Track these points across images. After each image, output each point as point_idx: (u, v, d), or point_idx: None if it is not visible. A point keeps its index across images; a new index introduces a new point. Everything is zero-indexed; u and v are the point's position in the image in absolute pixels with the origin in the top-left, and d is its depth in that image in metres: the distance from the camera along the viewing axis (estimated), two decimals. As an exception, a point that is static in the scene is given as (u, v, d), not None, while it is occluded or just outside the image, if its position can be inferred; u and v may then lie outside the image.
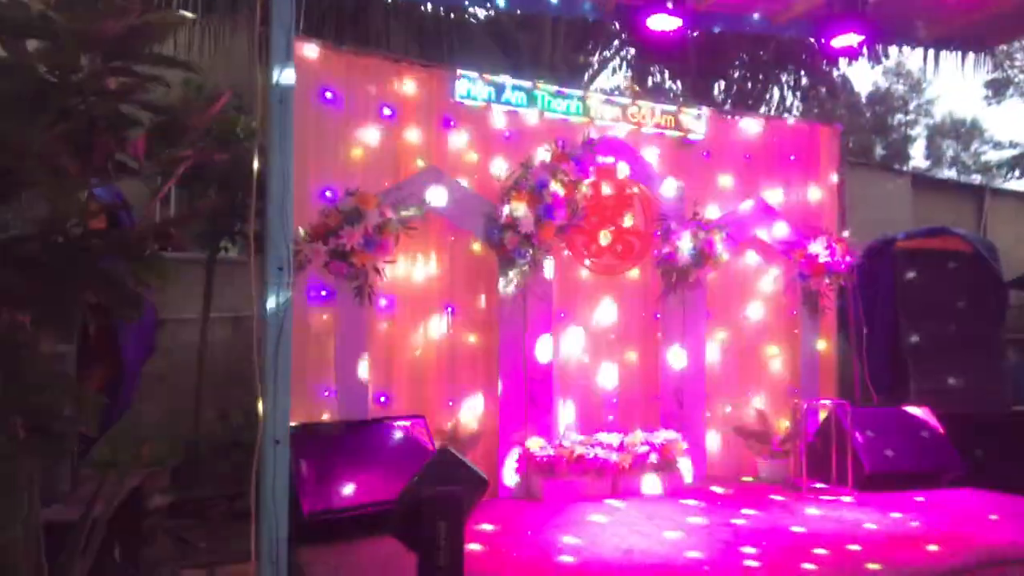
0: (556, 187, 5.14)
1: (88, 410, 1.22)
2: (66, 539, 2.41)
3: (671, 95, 8.12)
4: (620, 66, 8.04)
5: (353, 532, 3.96)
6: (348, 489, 4.18)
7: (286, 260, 3.25)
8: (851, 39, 5.45)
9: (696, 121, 5.89)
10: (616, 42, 7.42)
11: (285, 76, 3.34)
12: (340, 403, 4.69)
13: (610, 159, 5.53)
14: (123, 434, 4.92)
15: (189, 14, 1.73)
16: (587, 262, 5.58)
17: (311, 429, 4.39)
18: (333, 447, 4.37)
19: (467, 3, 5.33)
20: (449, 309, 5.15)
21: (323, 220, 4.60)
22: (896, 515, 4.59)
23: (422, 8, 5.73)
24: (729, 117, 6.22)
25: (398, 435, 4.60)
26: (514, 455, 5.09)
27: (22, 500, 1.27)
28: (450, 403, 5.11)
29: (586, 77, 7.64)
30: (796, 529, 4.29)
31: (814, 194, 6.32)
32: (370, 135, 4.90)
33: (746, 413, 5.87)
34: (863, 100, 14.61)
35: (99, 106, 1.07)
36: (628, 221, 5.68)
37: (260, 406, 3.34)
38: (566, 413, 5.45)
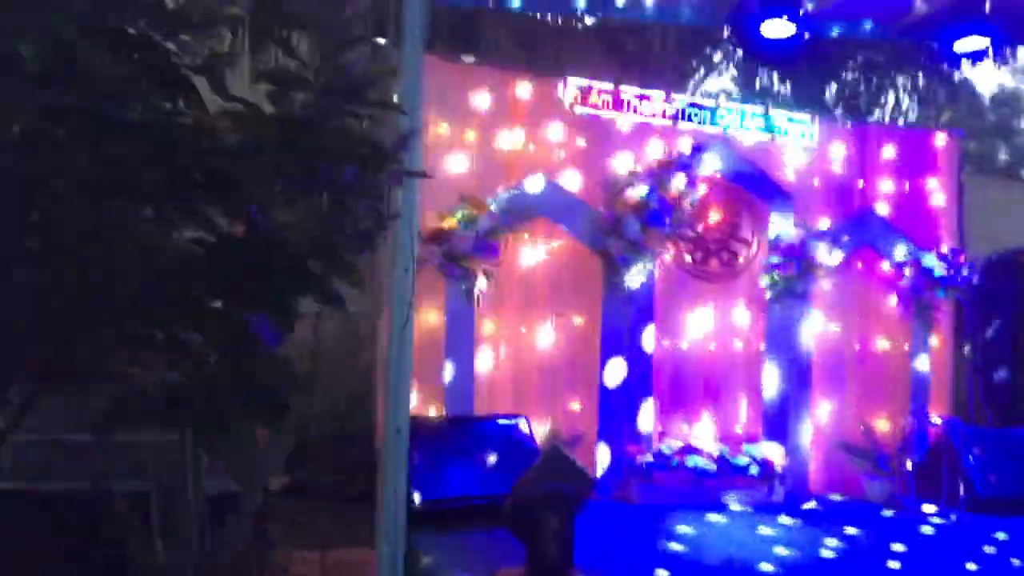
0: (663, 194, 5.27)
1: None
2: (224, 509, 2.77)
3: (779, 98, 8.05)
4: (727, 68, 8.04)
5: (460, 522, 4.24)
6: (455, 481, 4.47)
7: (411, 262, 3.53)
8: (976, 42, 5.31)
9: (807, 127, 5.87)
10: (724, 45, 7.43)
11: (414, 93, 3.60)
12: (448, 399, 4.99)
13: (718, 166, 5.60)
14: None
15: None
16: (693, 269, 5.66)
17: (421, 423, 4.70)
18: (442, 441, 4.67)
19: (579, 11, 5.52)
20: (553, 312, 5.36)
21: (437, 224, 4.89)
22: (1003, 537, 4.48)
23: (531, 16, 5.96)
24: (841, 123, 6.16)
25: (502, 432, 4.85)
26: (611, 458, 5.26)
27: (260, 468, 1.52)
28: (552, 402, 5.32)
29: (694, 80, 7.69)
30: (900, 549, 4.27)
31: (931, 203, 6.17)
32: (483, 142, 5.16)
33: (852, 429, 5.81)
34: (986, 102, 13.85)
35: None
36: (735, 229, 5.73)
37: (381, 398, 3.65)
38: (666, 418, 5.56)
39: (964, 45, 5.35)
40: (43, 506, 2.84)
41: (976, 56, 5.69)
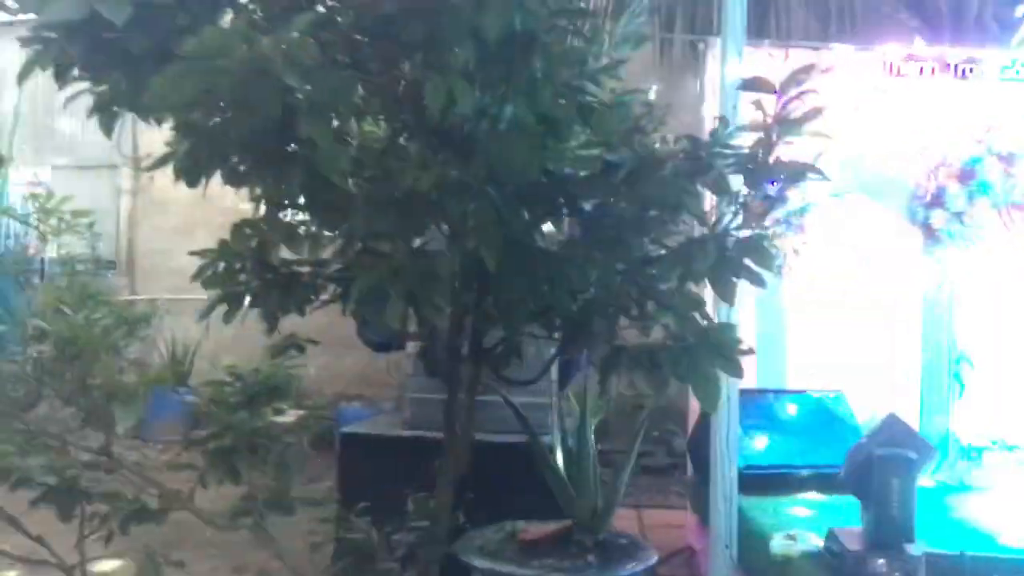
0: (992, 161, 5.21)
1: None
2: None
3: None
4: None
5: (779, 488, 4.73)
6: (776, 450, 4.96)
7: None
8: None
9: None
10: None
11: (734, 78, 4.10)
12: (759, 374, 5.46)
13: (1059, 126, 5.37)
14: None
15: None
16: (1027, 241, 5.51)
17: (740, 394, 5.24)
18: (755, 410, 5.17)
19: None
20: (867, 286, 5.57)
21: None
22: None
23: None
24: None
25: (818, 406, 5.23)
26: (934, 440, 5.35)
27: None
28: (864, 386, 5.55)
29: (1021, 33, 7.22)
30: None
31: None
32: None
33: None
34: None
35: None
36: (1081, 194, 5.45)
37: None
38: (982, 403, 5.49)
39: None
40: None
41: None
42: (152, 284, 9.23)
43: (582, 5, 2.29)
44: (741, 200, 2.13)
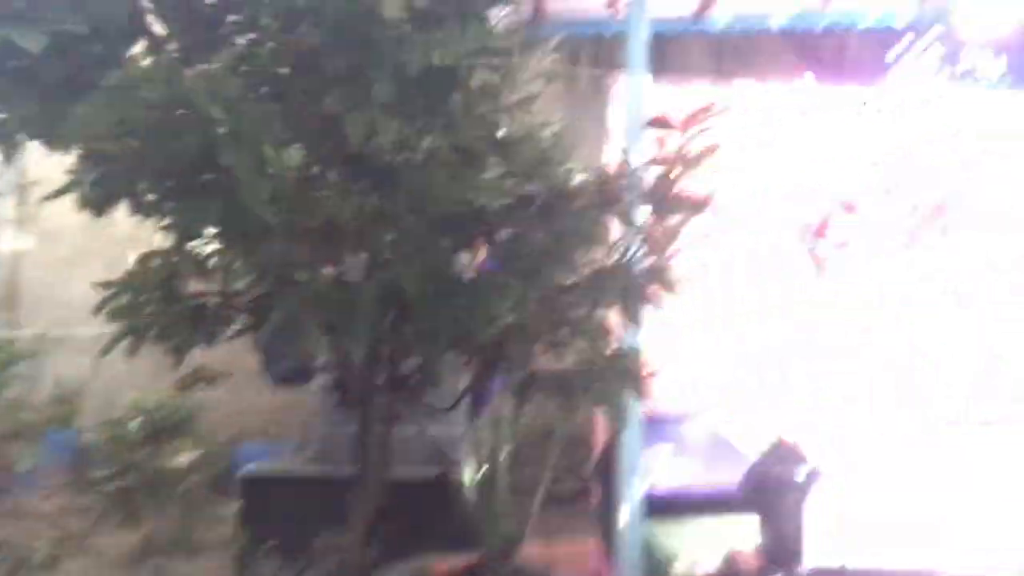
0: (872, 194, 5.67)
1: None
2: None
3: (989, 81, 8.01)
4: (929, 51, 8.14)
5: (681, 511, 4.92)
6: (676, 473, 5.16)
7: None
8: None
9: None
10: (927, 32, 7.58)
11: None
12: (657, 399, 5.69)
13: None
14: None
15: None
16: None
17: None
18: (654, 435, 5.36)
19: (783, 29, 6.09)
20: (759, 317, 5.92)
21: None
22: None
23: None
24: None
25: (711, 431, 5.48)
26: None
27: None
28: (756, 406, 5.87)
29: (894, 70, 7.91)
30: None
31: None
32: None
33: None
34: None
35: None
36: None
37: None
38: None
39: None
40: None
41: None
42: (38, 318, 8.73)
43: (499, 44, 2.41)
44: (647, 230, 2.29)
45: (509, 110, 2.48)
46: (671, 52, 7.34)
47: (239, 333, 2.55)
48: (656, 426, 5.56)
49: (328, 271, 2.29)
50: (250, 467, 4.90)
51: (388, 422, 2.55)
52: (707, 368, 5.95)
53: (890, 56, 8.07)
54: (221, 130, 1.79)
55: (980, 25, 5.41)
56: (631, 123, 3.97)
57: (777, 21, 5.97)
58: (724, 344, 5.92)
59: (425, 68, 2.06)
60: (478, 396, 4.85)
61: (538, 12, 5.90)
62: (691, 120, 2.20)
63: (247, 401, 7.86)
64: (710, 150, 2.24)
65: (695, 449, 5.41)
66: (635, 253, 2.32)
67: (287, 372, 4.33)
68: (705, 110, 2.23)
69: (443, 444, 3.94)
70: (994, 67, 8.49)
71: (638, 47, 4.68)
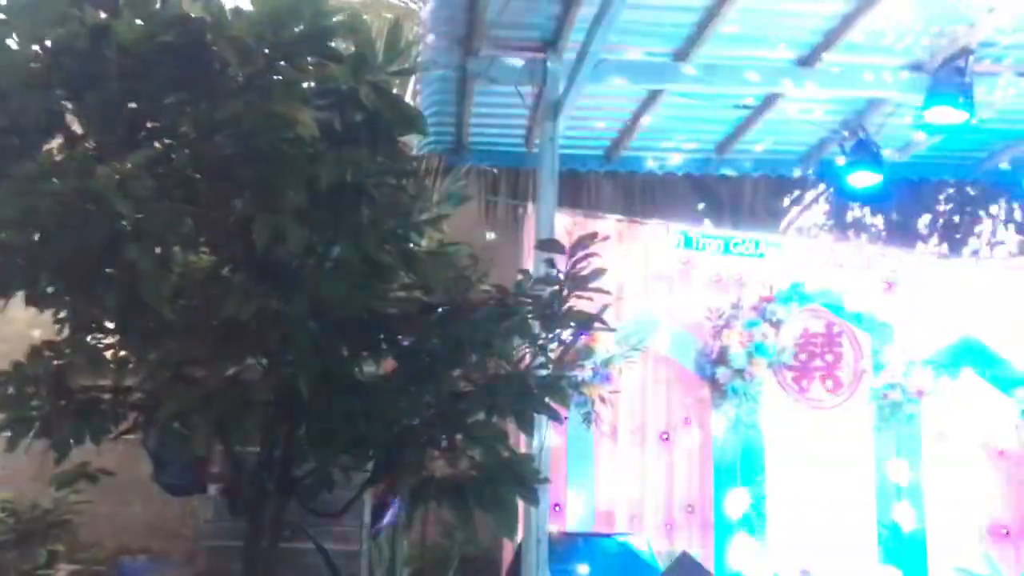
0: (765, 326, 6.05)
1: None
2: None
3: (872, 230, 8.82)
4: (819, 204, 8.93)
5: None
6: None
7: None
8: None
9: (899, 261, 6.62)
10: (815, 184, 8.35)
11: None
12: (568, 517, 5.71)
13: (816, 299, 6.37)
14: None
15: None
16: (798, 397, 6.32)
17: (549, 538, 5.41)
18: (565, 556, 5.33)
19: (685, 172, 6.63)
20: (665, 436, 6.09)
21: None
22: None
23: (632, 171, 7.10)
24: (935, 256, 6.88)
25: (623, 549, 5.48)
26: (729, 580, 5.77)
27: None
28: (667, 525, 5.94)
29: (786, 220, 8.61)
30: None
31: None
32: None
33: (970, 553, 6.13)
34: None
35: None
36: (838, 358, 6.41)
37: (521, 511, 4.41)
38: (782, 539, 6.05)
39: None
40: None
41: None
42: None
43: (409, 166, 2.58)
44: (540, 343, 2.41)
45: (419, 227, 2.62)
46: (586, 187, 7.85)
47: (129, 431, 2.49)
48: (569, 544, 5.55)
49: (226, 370, 2.30)
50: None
51: (276, 529, 2.48)
52: (621, 486, 6.04)
53: (784, 203, 8.85)
54: (126, 226, 1.84)
55: (862, 180, 6.01)
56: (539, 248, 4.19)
57: (679, 164, 6.53)
58: (637, 462, 6.05)
59: (337, 182, 2.19)
60: (377, 511, 4.75)
61: (458, 142, 6.28)
62: (578, 244, 2.38)
63: (134, 514, 7.39)
64: (598, 272, 2.41)
65: (608, 565, 5.40)
66: (531, 364, 2.42)
67: (179, 480, 4.16)
68: (591, 236, 2.42)
69: (340, 561, 3.79)
70: (876, 220, 9.37)
71: (548, 180, 5.03)
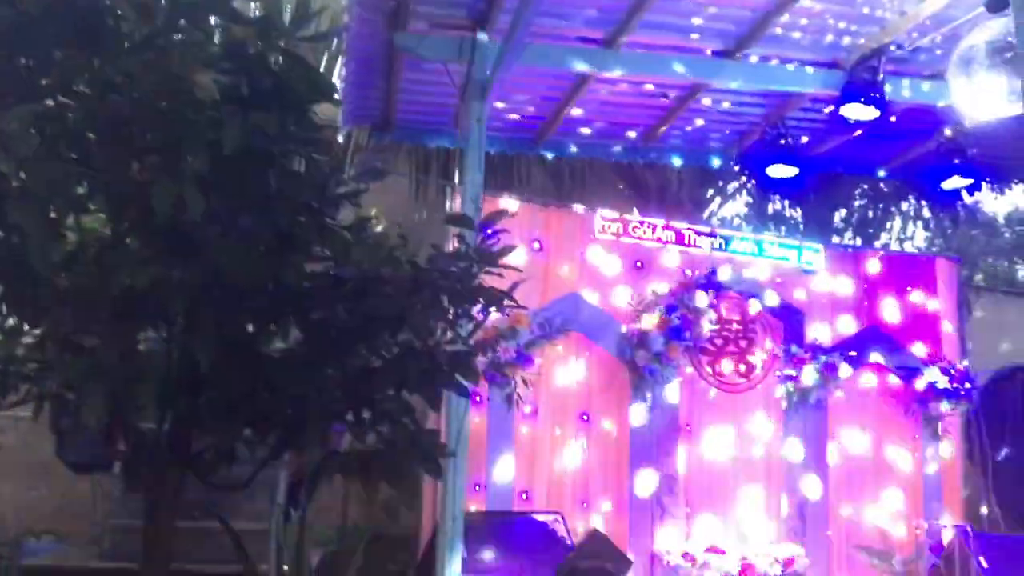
0: (683, 311, 6.18)
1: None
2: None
3: (791, 222, 9.10)
4: (741, 196, 9.15)
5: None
6: (499, 572, 5.15)
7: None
8: (959, 182, 6.35)
9: (814, 254, 6.85)
10: (737, 176, 8.56)
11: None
12: (489, 497, 5.74)
13: (733, 286, 6.53)
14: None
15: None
16: (712, 380, 6.49)
17: (466, 516, 5.43)
18: (483, 535, 5.37)
19: (612, 159, 6.69)
20: (585, 417, 6.17)
21: (482, 336, 5.80)
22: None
23: (562, 157, 7.14)
24: (847, 251, 7.15)
25: (539, 527, 5.56)
26: (641, 559, 5.90)
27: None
28: (583, 504, 6.03)
29: (709, 209, 8.79)
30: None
31: (933, 323, 7.03)
32: (523, 264, 6.15)
33: (869, 532, 6.44)
34: (1001, 220, 14.86)
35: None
36: (751, 344, 6.60)
37: (428, 498, 4.41)
38: (693, 521, 6.23)
39: (951, 184, 6.40)
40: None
41: (970, 189, 6.74)
42: None
43: (322, 136, 2.51)
44: (450, 319, 2.40)
45: (335, 201, 2.56)
46: (516, 172, 7.85)
47: (19, 403, 2.37)
48: (487, 523, 5.58)
49: (123, 341, 2.21)
50: (29, 561, 4.44)
51: (175, 505, 2.41)
52: (542, 466, 6.11)
53: (707, 193, 9.03)
54: (12, 185, 1.74)
55: (780, 172, 6.18)
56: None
57: (606, 151, 6.59)
58: (557, 443, 6.12)
59: (242, 149, 2.11)
60: (292, 491, 4.68)
61: (386, 119, 6.19)
62: (487, 221, 2.38)
63: (39, 496, 7.09)
64: (507, 250, 2.41)
65: (525, 544, 5.45)
66: (440, 339, 2.41)
67: (83, 457, 4.02)
68: (500, 212, 2.42)
69: (250, 541, 3.72)
70: (795, 213, 9.67)
71: (475, 160, 5.00)
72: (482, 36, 4.95)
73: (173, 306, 2.13)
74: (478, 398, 5.83)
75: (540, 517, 5.63)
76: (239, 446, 2.36)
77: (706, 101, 6.00)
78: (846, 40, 5.34)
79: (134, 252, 2.14)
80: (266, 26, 2.08)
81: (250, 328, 2.32)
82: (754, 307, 6.58)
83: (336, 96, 2.78)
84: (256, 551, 3.97)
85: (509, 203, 6.17)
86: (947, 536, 6.12)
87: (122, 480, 3.25)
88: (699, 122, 6.40)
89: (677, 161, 6.95)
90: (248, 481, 2.32)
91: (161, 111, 2.01)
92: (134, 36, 1.94)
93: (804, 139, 6.48)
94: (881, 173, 7.05)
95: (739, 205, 9.21)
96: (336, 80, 6.27)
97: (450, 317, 2.39)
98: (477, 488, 5.75)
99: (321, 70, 7.27)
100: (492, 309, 2.47)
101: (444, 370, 2.30)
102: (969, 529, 6.01)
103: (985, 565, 5.82)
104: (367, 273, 2.38)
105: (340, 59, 6.02)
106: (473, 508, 5.68)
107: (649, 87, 5.78)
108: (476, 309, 2.47)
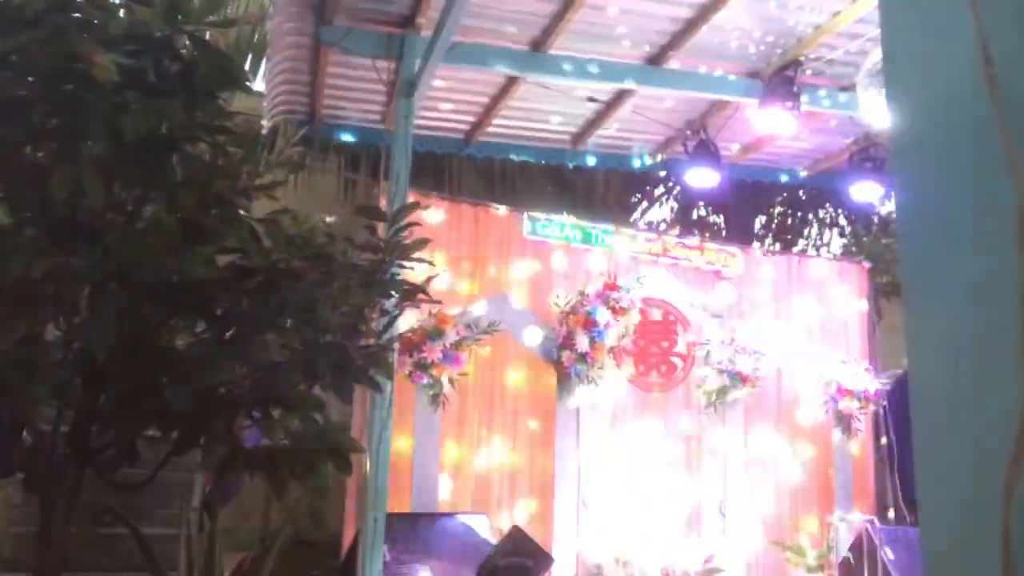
0: (607, 313, 6.27)
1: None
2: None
3: (714, 228, 9.37)
4: (667, 201, 9.38)
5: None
6: (422, 572, 5.11)
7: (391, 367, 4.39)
8: (872, 188, 6.63)
9: (732, 257, 7.05)
10: (664, 182, 8.77)
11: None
12: (414, 497, 5.69)
13: (656, 290, 6.67)
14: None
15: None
16: (635, 380, 6.61)
17: (390, 518, 5.37)
18: (408, 535, 5.33)
19: (540, 161, 6.75)
20: (511, 417, 6.19)
21: (409, 336, 5.77)
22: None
23: (493, 159, 7.17)
24: (763, 254, 7.39)
25: (464, 528, 5.54)
26: (565, 558, 5.95)
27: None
28: (509, 504, 6.04)
29: (635, 213, 8.97)
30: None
31: (843, 325, 7.32)
32: (452, 264, 6.14)
33: (784, 527, 6.65)
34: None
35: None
36: (671, 345, 6.75)
37: (352, 500, 4.37)
38: (617, 521, 6.31)
39: (862, 191, 6.68)
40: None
41: (874, 200, 7.05)
42: None
43: (231, 125, 2.45)
44: (363, 312, 2.38)
45: (247, 192, 2.51)
46: (444, 171, 7.85)
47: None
48: (409, 524, 5.54)
49: (11, 333, 2.11)
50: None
51: (71, 507, 2.31)
52: (467, 467, 6.10)
53: (633, 198, 9.22)
54: None
55: (702, 178, 6.34)
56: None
57: (535, 154, 6.65)
58: (483, 443, 6.12)
59: (145, 136, 2.05)
60: (210, 497, 4.55)
61: (312, 115, 6.09)
62: (399, 214, 2.37)
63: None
64: (420, 243, 2.40)
65: (448, 544, 5.43)
66: (351, 332, 2.38)
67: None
68: (413, 205, 2.41)
69: (160, 547, 3.60)
70: (718, 218, 9.95)
71: (401, 158, 4.97)
72: (411, 33, 4.93)
73: (71, 297, 2.04)
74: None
75: (464, 518, 5.62)
76: (142, 444, 2.28)
77: (631, 107, 6.11)
78: (765, 51, 5.52)
79: (29, 240, 2.05)
80: (172, 7, 2.02)
81: (155, 320, 2.25)
82: (676, 309, 6.74)
83: (250, 85, 2.71)
84: (170, 557, 3.85)
85: (439, 203, 6.17)
86: (857, 530, 6.37)
87: (23, 484, 3.10)
88: (625, 127, 6.51)
89: (604, 165, 7.05)
90: (149, 479, 2.24)
91: (62, 93, 1.93)
92: (25, 12, 1.86)
93: (727, 146, 6.67)
94: (800, 178, 7.29)
95: (665, 210, 9.43)
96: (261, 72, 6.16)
97: (363, 311, 2.37)
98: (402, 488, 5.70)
99: (247, 64, 7.12)
100: (406, 303, 2.45)
101: (357, 364, 2.27)
102: (876, 522, 6.27)
103: (891, 556, 6.08)
104: (277, 265, 2.33)
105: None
106: (397, 509, 5.63)
107: (577, 91, 5.86)
108: (390, 303, 2.45)
